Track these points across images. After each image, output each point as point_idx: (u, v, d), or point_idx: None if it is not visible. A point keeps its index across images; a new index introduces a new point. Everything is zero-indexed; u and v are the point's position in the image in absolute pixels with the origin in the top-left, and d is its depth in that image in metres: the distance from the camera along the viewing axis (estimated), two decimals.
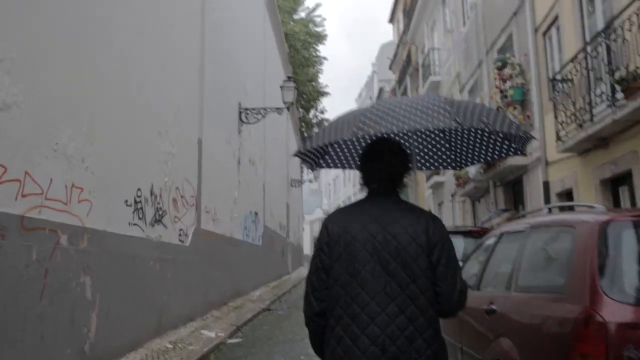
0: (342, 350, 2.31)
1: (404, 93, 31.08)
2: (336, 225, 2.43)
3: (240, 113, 14.97)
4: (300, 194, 42.92)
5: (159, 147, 8.57)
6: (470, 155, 3.03)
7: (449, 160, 3.08)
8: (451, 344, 4.46)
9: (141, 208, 7.78)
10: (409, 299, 2.29)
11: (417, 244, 2.33)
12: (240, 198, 14.81)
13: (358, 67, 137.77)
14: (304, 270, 31.82)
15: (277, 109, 15.25)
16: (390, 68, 37.46)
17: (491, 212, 14.26)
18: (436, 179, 22.09)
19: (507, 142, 2.86)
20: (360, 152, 2.74)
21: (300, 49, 38.68)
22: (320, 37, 39.33)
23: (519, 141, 2.81)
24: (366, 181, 2.55)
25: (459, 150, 3.04)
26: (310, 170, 4.21)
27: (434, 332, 2.33)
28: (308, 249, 50.11)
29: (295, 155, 2.79)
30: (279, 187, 24.03)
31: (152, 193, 8.25)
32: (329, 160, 2.98)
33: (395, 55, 34.02)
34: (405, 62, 30.12)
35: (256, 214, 17.51)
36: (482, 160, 3.04)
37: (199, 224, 10.70)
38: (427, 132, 2.98)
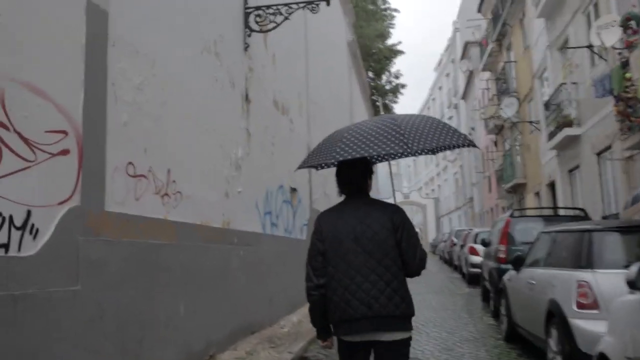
0: (340, 312, 3.20)
1: (502, 31, 23.86)
2: (326, 223, 3.35)
3: (246, 15, 8.64)
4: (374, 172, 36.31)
5: None
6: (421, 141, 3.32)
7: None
8: None
9: None
10: (385, 269, 3.20)
11: (385, 229, 3.24)
12: (251, 161, 8.47)
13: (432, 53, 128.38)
14: None
15: (309, 3, 8.75)
16: (479, 10, 30.19)
17: None
18: (568, 132, 14.87)
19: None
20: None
21: (362, 1, 32.21)
22: None
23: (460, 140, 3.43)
24: (341, 188, 3.45)
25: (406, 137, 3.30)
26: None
27: (405, 290, 3.25)
28: None
29: (299, 168, 3.75)
30: None
31: None
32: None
33: None
34: None
35: (293, 190, 11.14)
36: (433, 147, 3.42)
37: (95, 202, 4.44)
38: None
